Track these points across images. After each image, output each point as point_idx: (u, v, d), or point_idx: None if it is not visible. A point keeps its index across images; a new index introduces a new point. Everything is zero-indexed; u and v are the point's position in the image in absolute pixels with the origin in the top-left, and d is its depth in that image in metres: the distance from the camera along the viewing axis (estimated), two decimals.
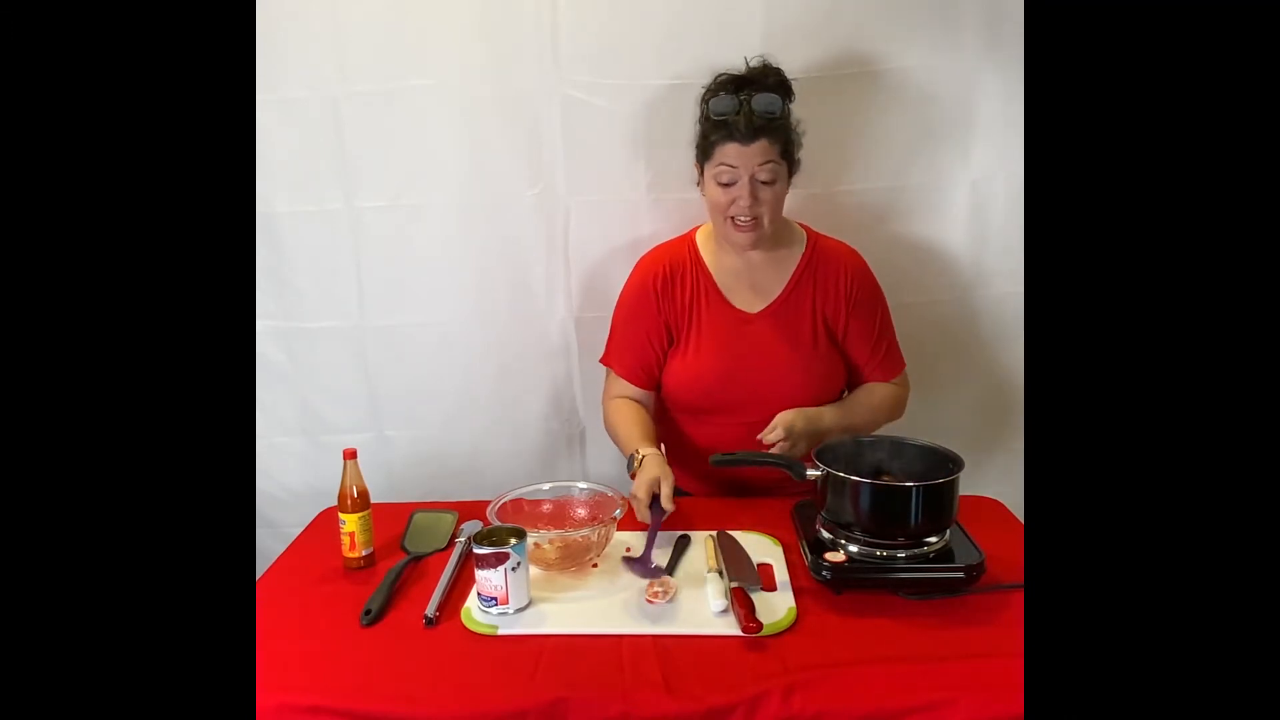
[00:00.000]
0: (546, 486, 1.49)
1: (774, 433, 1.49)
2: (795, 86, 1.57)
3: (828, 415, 1.58)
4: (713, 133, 1.51)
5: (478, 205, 1.82)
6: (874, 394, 1.67)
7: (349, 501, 1.39)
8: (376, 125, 1.77)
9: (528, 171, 1.80)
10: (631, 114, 1.76)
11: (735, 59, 1.56)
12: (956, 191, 1.82)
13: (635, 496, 1.45)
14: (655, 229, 1.80)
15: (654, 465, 1.48)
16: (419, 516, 1.57)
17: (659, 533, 1.40)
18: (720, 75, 1.56)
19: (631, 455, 1.54)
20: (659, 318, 1.64)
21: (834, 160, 1.77)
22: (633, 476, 1.51)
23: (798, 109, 1.57)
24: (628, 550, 1.40)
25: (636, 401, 1.68)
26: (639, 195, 1.81)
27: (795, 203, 1.64)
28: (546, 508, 1.45)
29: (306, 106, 1.76)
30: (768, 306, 1.62)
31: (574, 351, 1.92)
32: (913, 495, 1.29)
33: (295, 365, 1.93)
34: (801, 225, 1.68)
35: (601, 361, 1.74)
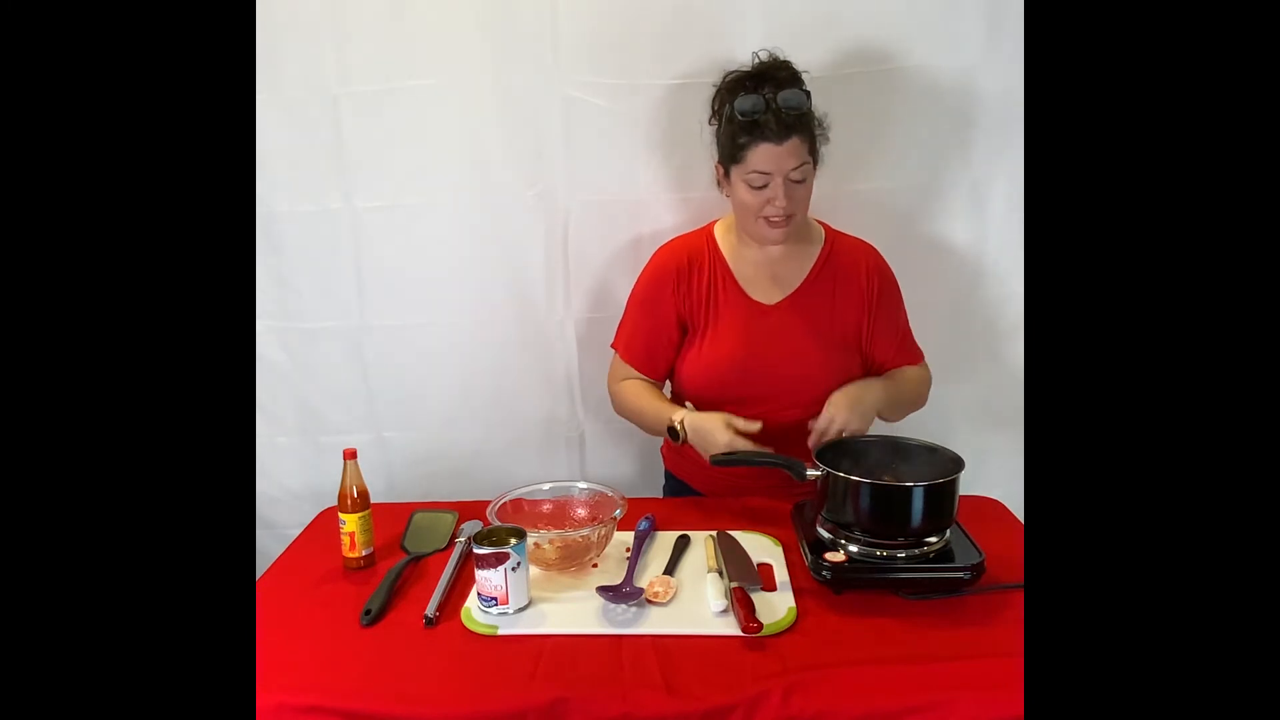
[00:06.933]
0: (546, 486, 1.49)
1: (829, 424, 1.49)
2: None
3: (876, 386, 1.58)
4: (741, 134, 1.45)
5: (478, 205, 1.82)
6: (908, 372, 1.67)
7: (349, 501, 1.39)
8: (376, 125, 1.77)
9: (528, 171, 1.80)
10: (631, 114, 1.76)
11: (735, 58, 1.56)
12: (956, 190, 1.82)
13: (721, 445, 1.47)
14: (656, 229, 1.79)
15: (706, 415, 1.52)
16: (419, 516, 1.57)
17: (647, 535, 1.41)
18: (730, 73, 1.52)
19: (671, 426, 1.55)
20: (672, 309, 1.62)
21: (833, 160, 1.77)
22: (681, 442, 1.54)
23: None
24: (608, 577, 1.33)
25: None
26: (639, 195, 1.81)
27: None
28: (546, 508, 1.45)
29: (306, 106, 1.76)
30: (786, 298, 1.61)
31: (573, 352, 1.92)
32: (913, 495, 1.29)
33: (295, 365, 1.93)
34: (819, 222, 1.67)
35: (612, 346, 1.72)
